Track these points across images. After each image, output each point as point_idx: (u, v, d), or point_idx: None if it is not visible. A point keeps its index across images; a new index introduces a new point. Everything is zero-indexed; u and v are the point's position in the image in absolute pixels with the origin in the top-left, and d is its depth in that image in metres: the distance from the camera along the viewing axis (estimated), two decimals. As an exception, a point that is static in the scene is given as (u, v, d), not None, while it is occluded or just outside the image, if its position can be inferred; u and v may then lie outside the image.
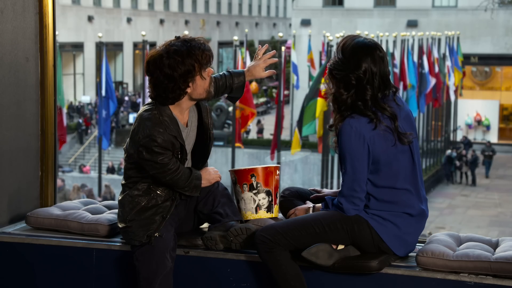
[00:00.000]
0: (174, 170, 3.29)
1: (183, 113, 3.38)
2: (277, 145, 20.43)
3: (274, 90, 43.08)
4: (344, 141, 3.14)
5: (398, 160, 3.17)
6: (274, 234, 3.19)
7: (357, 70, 3.15)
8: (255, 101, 39.84)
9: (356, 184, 3.16)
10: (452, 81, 28.24)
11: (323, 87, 19.33)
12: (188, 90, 3.29)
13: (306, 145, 26.94)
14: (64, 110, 21.13)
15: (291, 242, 3.19)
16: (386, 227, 3.17)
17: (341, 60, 3.19)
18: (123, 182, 3.45)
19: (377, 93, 3.16)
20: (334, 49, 22.51)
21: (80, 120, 31.37)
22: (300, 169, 26.04)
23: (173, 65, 3.23)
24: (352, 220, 3.18)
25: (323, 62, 25.42)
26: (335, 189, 3.59)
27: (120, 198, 3.44)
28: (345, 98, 3.17)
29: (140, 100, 28.80)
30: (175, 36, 3.34)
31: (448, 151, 27.20)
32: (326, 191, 3.59)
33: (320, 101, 19.24)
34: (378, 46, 3.21)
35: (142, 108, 3.36)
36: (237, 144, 20.50)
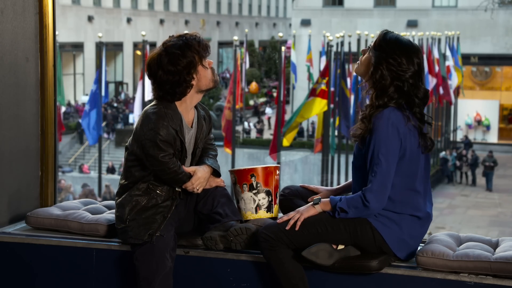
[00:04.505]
0: (174, 170, 3.30)
1: (188, 111, 3.40)
2: (277, 145, 20.42)
3: (273, 90, 43.10)
4: (381, 133, 3.05)
5: (419, 160, 3.15)
6: (276, 232, 3.18)
7: (413, 67, 3.10)
8: (254, 102, 39.93)
9: (388, 180, 3.07)
10: (454, 81, 28.23)
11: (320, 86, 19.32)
12: (193, 82, 3.32)
13: (306, 145, 26.97)
14: (63, 109, 21.09)
15: (293, 240, 3.18)
16: (389, 228, 3.15)
17: (395, 58, 3.10)
18: (123, 182, 3.45)
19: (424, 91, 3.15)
20: (334, 49, 22.53)
21: (80, 120, 31.38)
22: (300, 169, 26.04)
23: (174, 60, 3.27)
24: (355, 222, 3.17)
25: (322, 62, 25.41)
26: (329, 187, 3.57)
27: (119, 199, 3.44)
28: (396, 98, 3.09)
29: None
30: (169, 36, 3.39)
31: (442, 153, 27.18)
32: (321, 189, 3.55)
33: (318, 101, 19.17)
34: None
35: (148, 106, 3.40)
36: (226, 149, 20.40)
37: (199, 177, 3.38)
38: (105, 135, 29.98)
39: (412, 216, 3.18)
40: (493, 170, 24.99)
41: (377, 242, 3.17)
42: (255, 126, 32.47)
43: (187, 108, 3.39)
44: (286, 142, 19.43)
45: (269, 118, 33.36)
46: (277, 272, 3.20)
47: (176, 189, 3.41)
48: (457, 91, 30.29)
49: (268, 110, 36.49)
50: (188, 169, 3.38)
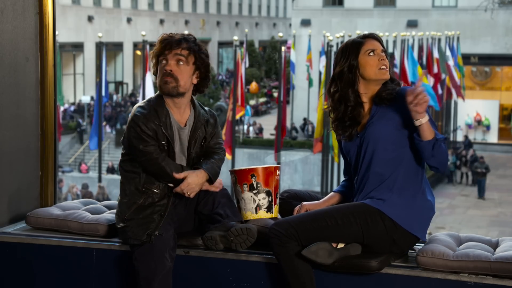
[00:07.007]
0: (158, 162, 3.32)
1: (178, 109, 3.42)
2: (277, 145, 20.45)
3: (273, 90, 43.08)
4: None
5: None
6: (287, 228, 3.17)
7: None
8: (255, 102, 39.93)
9: None
10: (455, 81, 28.24)
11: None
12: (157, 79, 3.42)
13: (306, 145, 26.96)
14: (61, 109, 21.08)
15: (304, 236, 3.17)
16: (400, 212, 3.17)
17: None
18: (121, 180, 3.47)
19: None
20: (334, 49, 22.56)
21: (80, 120, 31.40)
22: (300, 169, 26.04)
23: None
24: (365, 214, 3.17)
25: (322, 63, 25.41)
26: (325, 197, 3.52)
27: (119, 198, 3.46)
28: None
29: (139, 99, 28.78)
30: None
31: None
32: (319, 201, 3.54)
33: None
34: None
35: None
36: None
37: (189, 183, 3.36)
38: (108, 129, 30.19)
39: (421, 200, 3.22)
40: (485, 176, 24.35)
41: (388, 231, 3.17)
42: (253, 126, 32.22)
43: (176, 106, 3.41)
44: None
45: (249, 126, 32.35)
46: (285, 269, 3.19)
47: (169, 185, 3.41)
48: (458, 93, 30.28)
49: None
50: (180, 174, 3.37)
